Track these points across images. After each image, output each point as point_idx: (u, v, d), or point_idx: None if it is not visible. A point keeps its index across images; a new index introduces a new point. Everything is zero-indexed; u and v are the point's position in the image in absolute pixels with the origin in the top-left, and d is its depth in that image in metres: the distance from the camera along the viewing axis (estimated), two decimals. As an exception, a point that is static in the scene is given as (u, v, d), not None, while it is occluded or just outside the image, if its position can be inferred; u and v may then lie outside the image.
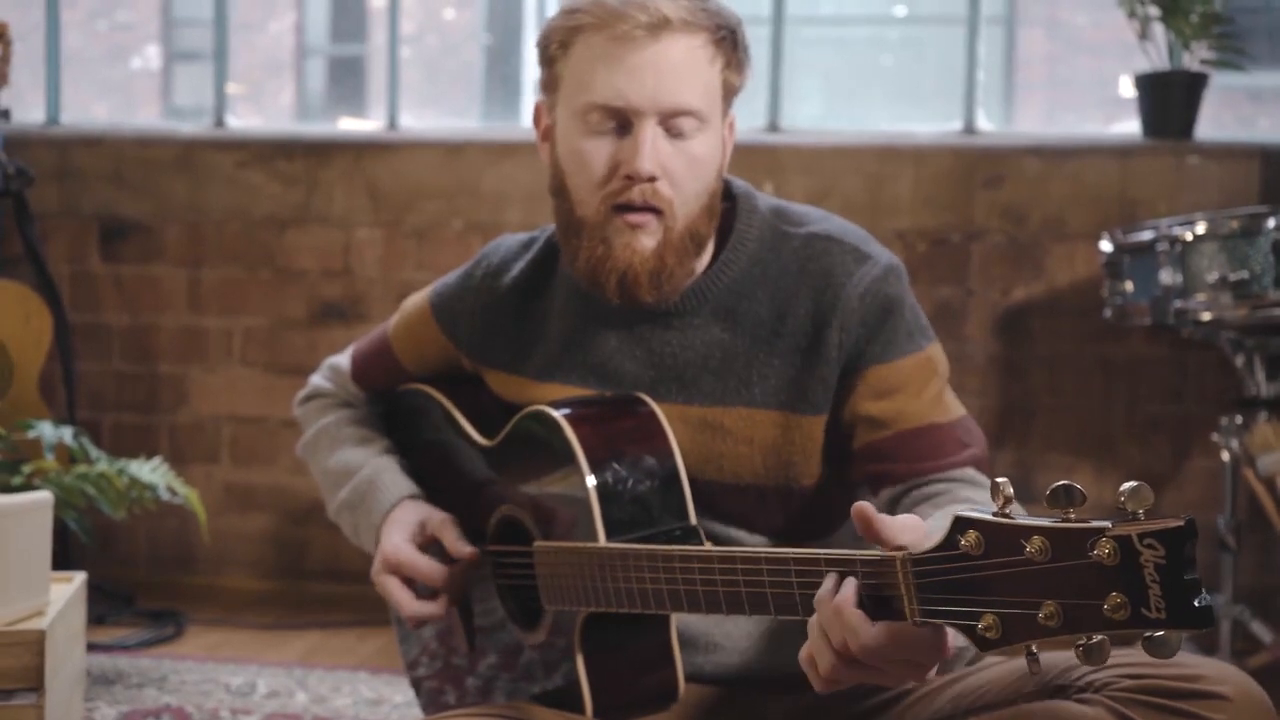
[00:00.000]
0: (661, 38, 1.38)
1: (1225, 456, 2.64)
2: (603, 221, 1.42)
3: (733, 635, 1.45)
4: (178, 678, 2.57)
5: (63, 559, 2.55)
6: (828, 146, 3.14)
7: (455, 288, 1.62)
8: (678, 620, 1.39)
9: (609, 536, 1.33)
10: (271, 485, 3.31)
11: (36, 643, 1.81)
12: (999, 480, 0.94)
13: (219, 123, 3.47)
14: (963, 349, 3.05)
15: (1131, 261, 2.60)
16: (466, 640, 1.57)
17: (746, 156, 2.86)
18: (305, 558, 3.31)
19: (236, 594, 3.27)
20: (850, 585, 1.06)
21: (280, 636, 2.94)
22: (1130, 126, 3.19)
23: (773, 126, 3.28)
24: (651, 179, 1.39)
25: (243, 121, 3.58)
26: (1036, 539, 0.91)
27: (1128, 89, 3.16)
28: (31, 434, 2.38)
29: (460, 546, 1.51)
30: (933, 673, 1.09)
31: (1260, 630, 2.61)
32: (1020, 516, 0.93)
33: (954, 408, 1.45)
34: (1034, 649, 0.93)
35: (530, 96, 2.07)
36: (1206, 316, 2.46)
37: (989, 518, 0.94)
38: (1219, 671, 1.18)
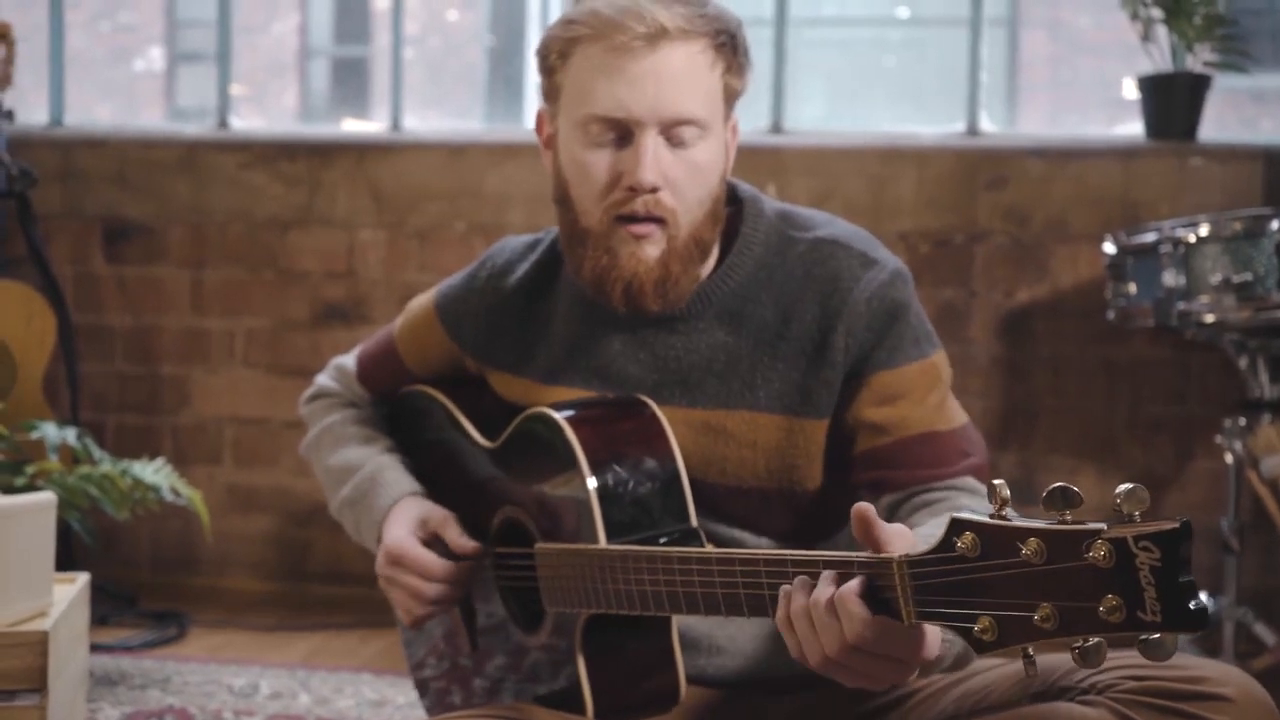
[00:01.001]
0: (660, 47, 1.37)
1: (1229, 458, 2.64)
2: (606, 232, 1.42)
3: (735, 638, 1.45)
4: (180, 679, 2.57)
5: (66, 560, 2.56)
6: (831, 148, 3.14)
7: (460, 289, 1.62)
8: (680, 622, 1.39)
9: (609, 538, 1.33)
10: (274, 486, 3.31)
11: (39, 643, 1.80)
12: (996, 482, 0.94)
13: (222, 124, 3.47)
14: (966, 350, 3.05)
15: (1135, 263, 2.59)
16: (469, 641, 1.57)
17: (749, 158, 2.85)
18: (308, 559, 3.31)
19: (239, 595, 3.28)
20: (856, 581, 1.05)
21: (283, 638, 2.94)
22: (1133, 128, 3.19)
23: (776, 128, 3.28)
24: (654, 189, 1.39)
25: (246, 123, 3.59)
26: (1032, 541, 0.91)
27: (1131, 91, 3.15)
28: (35, 435, 2.39)
29: (463, 542, 1.50)
30: (913, 675, 1.09)
31: (1263, 632, 2.60)
32: (1016, 519, 0.93)
33: (956, 415, 1.44)
34: (1030, 651, 0.93)
35: (533, 98, 2.07)
36: (1210, 318, 2.45)
37: (985, 520, 0.94)
38: (1222, 673, 1.19)
